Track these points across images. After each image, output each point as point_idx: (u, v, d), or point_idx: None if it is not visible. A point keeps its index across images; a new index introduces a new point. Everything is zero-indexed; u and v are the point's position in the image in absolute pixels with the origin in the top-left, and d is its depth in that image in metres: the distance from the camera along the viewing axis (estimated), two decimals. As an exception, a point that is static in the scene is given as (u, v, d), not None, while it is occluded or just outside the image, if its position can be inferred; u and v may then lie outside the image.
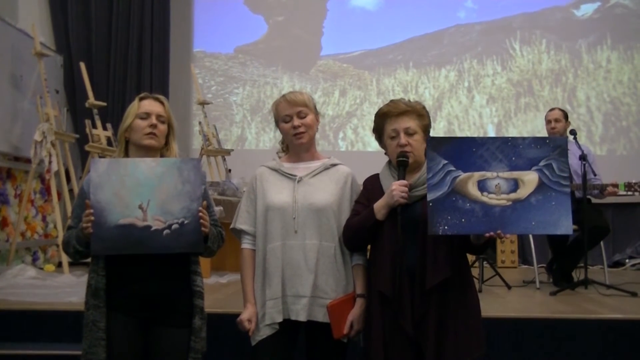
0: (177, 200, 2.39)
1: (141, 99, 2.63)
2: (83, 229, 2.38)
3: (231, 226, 2.78)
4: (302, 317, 2.58)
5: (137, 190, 2.36)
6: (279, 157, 2.83)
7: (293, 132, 2.68)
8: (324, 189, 2.68)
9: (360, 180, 2.77)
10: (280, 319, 2.58)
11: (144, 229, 2.35)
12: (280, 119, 2.73)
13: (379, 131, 2.67)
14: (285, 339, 2.63)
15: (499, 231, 2.31)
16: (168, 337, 2.49)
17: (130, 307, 2.46)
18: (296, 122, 2.67)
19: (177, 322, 2.50)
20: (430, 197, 2.33)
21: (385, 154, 2.68)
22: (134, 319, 2.47)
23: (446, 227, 2.32)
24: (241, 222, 2.75)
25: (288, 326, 2.60)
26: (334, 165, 2.76)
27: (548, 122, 5.62)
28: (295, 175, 2.70)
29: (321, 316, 2.59)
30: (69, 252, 2.51)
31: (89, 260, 2.54)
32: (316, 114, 2.75)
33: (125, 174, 2.37)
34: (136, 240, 2.35)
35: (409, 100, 2.63)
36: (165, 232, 2.36)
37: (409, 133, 2.54)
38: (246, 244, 2.74)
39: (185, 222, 2.38)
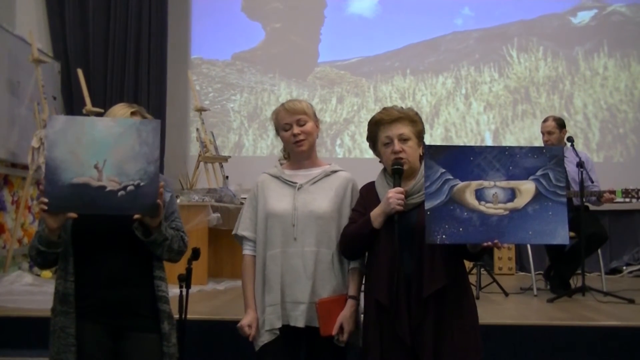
0: (134, 162, 2.31)
1: (133, 113, 2.57)
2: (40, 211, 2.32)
3: (233, 232, 2.81)
4: (301, 323, 2.60)
5: (93, 149, 2.29)
6: (281, 164, 2.86)
7: (293, 140, 2.71)
8: (324, 196, 2.70)
9: (357, 187, 2.77)
10: (279, 325, 2.61)
11: (98, 189, 2.28)
12: (280, 128, 2.76)
13: (373, 139, 2.68)
14: (289, 344, 2.66)
15: (496, 241, 2.31)
16: (137, 341, 2.48)
17: (97, 313, 2.45)
18: (296, 130, 2.70)
19: (145, 326, 2.49)
20: (428, 205, 2.33)
21: (380, 161, 2.68)
22: (102, 326, 2.46)
23: (444, 236, 2.32)
24: (243, 228, 2.78)
25: (290, 332, 2.63)
26: (334, 171, 2.79)
27: (542, 133, 5.65)
28: (295, 183, 2.73)
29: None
30: (32, 255, 2.46)
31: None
32: (316, 120, 2.78)
33: (82, 132, 2.30)
34: (90, 200, 2.28)
35: (402, 107, 2.64)
36: (120, 193, 2.29)
37: (402, 139, 2.55)
38: (247, 251, 2.77)
39: (142, 184, 2.30)
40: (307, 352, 2.72)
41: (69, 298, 2.44)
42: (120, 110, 2.57)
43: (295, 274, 2.63)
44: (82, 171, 2.29)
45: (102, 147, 2.30)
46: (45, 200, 2.28)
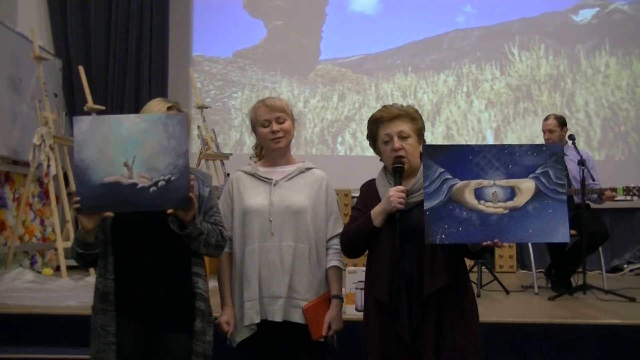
0: (163, 156, 2.31)
1: (169, 108, 2.58)
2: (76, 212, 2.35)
3: None
4: (278, 318, 2.65)
5: (122, 147, 2.30)
6: (254, 162, 2.91)
7: (271, 137, 2.76)
8: (300, 191, 2.76)
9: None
10: (258, 320, 2.65)
11: (129, 187, 2.29)
12: (258, 124, 2.81)
13: (373, 137, 2.69)
14: (270, 339, 2.70)
15: (496, 240, 2.30)
16: (171, 342, 2.49)
17: (135, 311, 2.47)
18: (275, 126, 2.75)
19: (180, 326, 2.50)
20: (427, 205, 2.32)
21: (381, 160, 2.68)
22: (140, 324, 2.48)
23: (443, 236, 2.31)
24: None
25: (268, 327, 2.67)
26: (308, 169, 2.85)
27: (543, 132, 5.65)
28: (271, 179, 2.78)
29: (296, 317, 2.67)
30: (73, 257, 2.51)
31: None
32: (293, 120, 2.84)
33: (109, 131, 2.31)
34: (122, 198, 2.29)
35: (402, 105, 2.64)
36: (151, 189, 2.30)
37: (402, 137, 2.55)
38: None
39: (172, 178, 2.31)
40: (285, 347, 2.74)
41: (109, 296, 2.46)
42: (157, 105, 2.58)
43: (273, 269, 2.68)
44: (112, 170, 2.30)
45: (130, 144, 2.31)
46: (78, 199, 2.30)
